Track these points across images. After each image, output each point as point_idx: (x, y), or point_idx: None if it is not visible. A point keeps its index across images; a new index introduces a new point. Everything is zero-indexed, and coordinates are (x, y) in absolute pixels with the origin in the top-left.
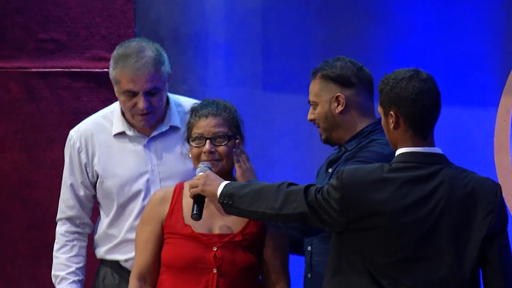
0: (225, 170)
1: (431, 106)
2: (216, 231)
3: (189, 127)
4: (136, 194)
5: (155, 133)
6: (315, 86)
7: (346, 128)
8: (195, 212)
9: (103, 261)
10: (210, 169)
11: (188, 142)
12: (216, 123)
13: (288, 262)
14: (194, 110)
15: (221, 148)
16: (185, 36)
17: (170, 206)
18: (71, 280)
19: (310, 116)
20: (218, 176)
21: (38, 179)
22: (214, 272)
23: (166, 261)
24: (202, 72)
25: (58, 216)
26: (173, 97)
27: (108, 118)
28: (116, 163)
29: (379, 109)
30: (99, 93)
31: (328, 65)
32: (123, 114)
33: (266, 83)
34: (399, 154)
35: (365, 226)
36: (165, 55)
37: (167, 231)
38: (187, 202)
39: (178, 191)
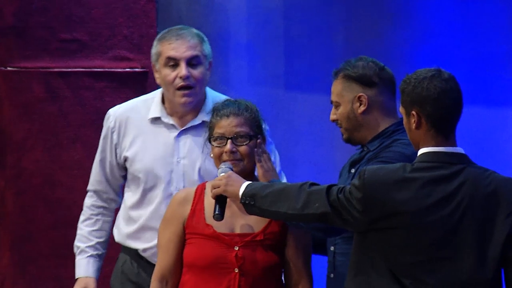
0: (246, 171)
1: (453, 106)
2: (238, 230)
3: (211, 127)
4: (159, 183)
5: (187, 126)
6: (337, 86)
7: (368, 128)
8: (217, 212)
9: (124, 248)
10: (232, 169)
11: (210, 142)
12: (237, 123)
13: (310, 261)
14: (215, 110)
15: (243, 148)
16: (207, 35)
17: (192, 206)
18: (89, 254)
19: (332, 116)
20: (240, 177)
21: (61, 179)
22: (236, 271)
23: (188, 261)
24: (224, 72)
25: (88, 187)
26: (212, 93)
27: (147, 103)
28: (146, 148)
29: (401, 109)
30: (121, 93)
31: (350, 65)
32: (163, 101)
33: (288, 82)
34: (421, 154)
35: (387, 226)
36: (207, 40)
37: (188, 232)
38: (209, 202)
39: (200, 192)
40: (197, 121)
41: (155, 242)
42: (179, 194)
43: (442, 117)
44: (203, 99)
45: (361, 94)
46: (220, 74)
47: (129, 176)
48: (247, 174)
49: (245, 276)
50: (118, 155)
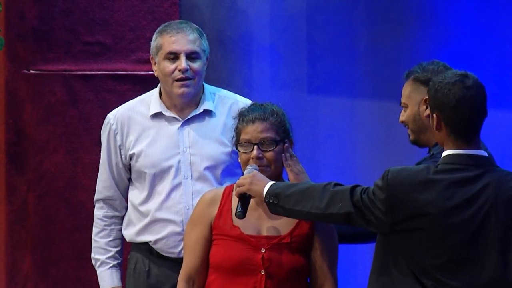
0: (274, 176)
1: (473, 113)
2: (265, 233)
3: (237, 133)
4: (167, 174)
5: (189, 116)
6: (406, 89)
7: (433, 131)
8: (239, 210)
9: (134, 246)
10: (258, 170)
11: (237, 147)
12: (263, 128)
13: (336, 264)
14: (241, 115)
15: (269, 154)
16: (230, 39)
17: (219, 207)
18: (111, 265)
19: (401, 118)
20: (264, 177)
21: (83, 182)
22: (262, 273)
23: (214, 263)
24: (247, 75)
25: (96, 197)
26: (209, 87)
27: (145, 102)
28: (150, 143)
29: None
30: None
31: (421, 68)
32: (160, 96)
33: (310, 86)
34: (445, 156)
35: (410, 227)
36: (205, 36)
37: (215, 233)
38: (236, 204)
39: (227, 193)
40: (199, 110)
41: (165, 232)
42: (207, 195)
43: (461, 124)
44: (201, 92)
45: (427, 97)
46: (243, 77)
47: (134, 175)
48: (275, 179)
49: (271, 278)
50: (123, 156)
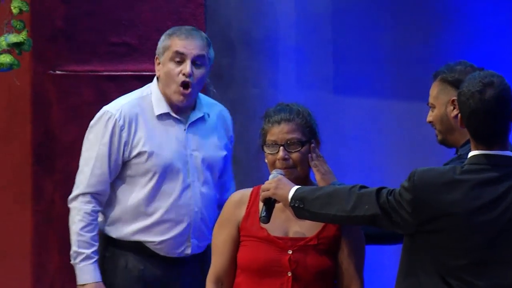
0: (300, 177)
1: (490, 122)
2: (292, 234)
3: (263, 134)
4: (177, 175)
5: (193, 118)
6: (434, 89)
7: (460, 132)
8: (263, 214)
9: (121, 244)
10: (283, 175)
11: (263, 149)
12: (289, 129)
13: (363, 266)
14: (267, 116)
15: (295, 155)
16: (256, 40)
17: (247, 209)
18: (94, 259)
19: (428, 118)
20: (290, 181)
21: None
22: (289, 275)
23: (242, 264)
24: (273, 76)
25: (84, 190)
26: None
27: (146, 100)
28: (161, 144)
29: None
30: None
31: (448, 68)
32: (162, 95)
33: (336, 86)
34: (470, 157)
35: (437, 228)
36: (212, 46)
37: (243, 234)
38: (261, 208)
39: (255, 194)
40: (200, 113)
41: (173, 234)
42: (234, 196)
43: (478, 131)
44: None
45: (454, 98)
46: (268, 78)
47: (135, 172)
48: (302, 180)
49: (297, 280)
50: (127, 152)
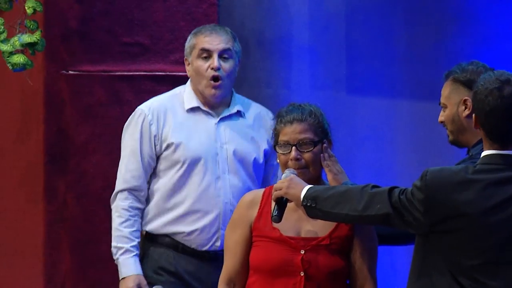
0: (313, 177)
1: (506, 123)
2: (304, 234)
3: (276, 134)
4: (206, 167)
5: (224, 114)
6: (446, 89)
7: (472, 132)
8: (275, 214)
9: (154, 239)
10: (296, 174)
11: (275, 149)
12: (301, 129)
13: (375, 266)
14: (279, 116)
15: (307, 155)
16: (269, 40)
17: (259, 209)
18: (135, 253)
19: (440, 118)
20: (302, 180)
21: None
22: (302, 275)
23: (254, 264)
24: (286, 76)
25: (120, 187)
26: (236, 94)
27: (178, 97)
28: (189, 135)
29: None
30: None
31: (460, 68)
32: (194, 92)
33: (350, 86)
34: (483, 156)
35: (449, 228)
36: (238, 40)
37: (255, 234)
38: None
39: (267, 194)
40: (232, 110)
41: (201, 224)
42: (247, 197)
43: (494, 131)
44: (230, 93)
45: (466, 98)
46: (282, 78)
47: (165, 165)
48: (314, 180)
49: (310, 280)
50: (158, 146)
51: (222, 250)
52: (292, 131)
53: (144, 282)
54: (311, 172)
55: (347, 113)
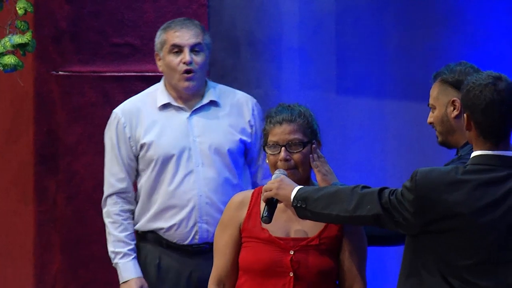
0: (302, 178)
1: (503, 118)
2: (293, 235)
3: (265, 134)
4: (178, 162)
5: (196, 106)
6: (434, 90)
7: (461, 133)
8: (265, 214)
9: (142, 236)
10: (286, 175)
11: (264, 149)
12: (290, 130)
13: (365, 266)
14: (269, 117)
15: (296, 156)
16: (259, 40)
17: (248, 210)
18: (133, 256)
19: (429, 119)
20: (292, 181)
21: None
22: (291, 275)
23: (244, 265)
24: (276, 76)
25: (107, 192)
26: (210, 82)
27: (152, 95)
28: (160, 133)
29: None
30: None
31: (449, 69)
32: (166, 88)
33: (340, 86)
34: (474, 157)
35: (440, 228)
36: (207, 32)
37: (245, 235)
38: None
39: (256, 195)
40: (205, 100)
41: (178, 219)
42: (236, 198)
43: (490, 127)
44: (204, 85)
45: (455, 98)
46: (272, 78)
47: (143, 165)
48: (303, 181)
49: (299, 280)
50: (133, 147)
51: (205, 244)
52: (281, 132)
53: (145, 284)
54: (300, 172)
55: (337, 114)
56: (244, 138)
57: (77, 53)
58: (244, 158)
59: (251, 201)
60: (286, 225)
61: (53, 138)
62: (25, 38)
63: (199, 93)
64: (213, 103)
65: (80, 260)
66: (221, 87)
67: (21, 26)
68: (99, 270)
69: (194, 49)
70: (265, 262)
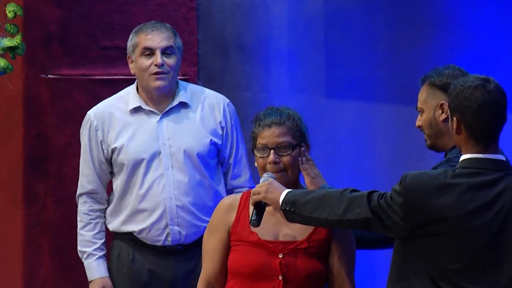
0: (291, 181)
1: (494, 118)
2: (282, 238)
3: (254, 137)
4: (148, 166)
5: (166, 109)
6: (422, 93)
7: (449, 136)
8: (254, 218)
9: (117, 235)
10: (274, 178)
11: (253, 152)
12: (279, 133)
13: (354, 270)
14: (257, 120)
15: (285, 158)
16: (248, 43)
17: (237, 213)
18: (97, 256)
19: (417, 123)
20: (281, 185)
21: None
22: (280, 279)
23: (232, 268)
24: (265, 80)
25: (78, 192)
26: (181, 81)
27: (124, 99)
28: (131, 137)
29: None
30: None
31: (437, 72)
32: (137, 92)
33: (329, 90)
34: (463, 160)
35: (429, 232)
36: (178, 35)
37: (233, 239)
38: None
39: (245, 198)
40: (175, 102)
41: (148, 223)
42: (225, 201)
43: (482, 128)
44: (175, 86)
45: (443, 102)
46: (261, 81)
47: (116, 168)
48: (292, 184)
49: (288, 283)
50: (105, 151)
51: (179, 245)
52: (270, 135)
53: (109, 284)
54: (289, 175)
55: (326, 117)
56: (215, 139)
57: (66, 56)
58: (217, 159)
59: (239, 204)
60: (275, 228)
61: (42, 141)
62: (15, 41)
63: (170, 94)
64: (183, 105)
65: (69, 263)
66: (192, 88)
67: (10, 29)
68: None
69: (165, 51)
70: (254, 265)
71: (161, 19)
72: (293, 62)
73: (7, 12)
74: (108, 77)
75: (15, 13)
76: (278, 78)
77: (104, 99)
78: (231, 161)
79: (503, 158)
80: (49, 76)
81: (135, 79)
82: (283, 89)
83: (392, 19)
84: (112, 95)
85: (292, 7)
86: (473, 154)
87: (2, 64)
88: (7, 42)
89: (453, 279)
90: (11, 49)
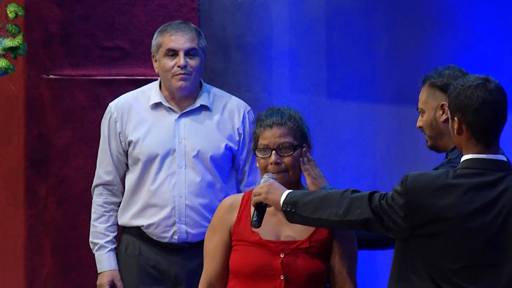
0: (292, 182)
1: (495, 117)
2: (284, 238)
3: (255, 138)
4: (162, 163)
5: (187, 109)
6: (423, 94)
7: (450, 137)
8: (254, 219)
9: (125, 229)
10: (275, 179)
11: (254, 153)
12: (281, 134)
13: (355, 270)
14: (259, 120)
15: (287, 159)
16: (250, 44)
17: (238, 213)
18: (109, 249)
19: (418, 123)
20: (281, 185)
21: None
22: (282, 278)
23: (234, 268)
24: (266, 80)
25: (94, 183)
26: (206, 84)
27: (146, 94)
28: (148, 132)
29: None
30: None
31: (437, 73)
32: (160, 88)
33: (330, 90)
34: (464, 161)
35: (430, 232)
36: (203, 36)
37: (235, 239)
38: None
39: (246, 199)
40: (196, 104)
41: (157, 218)
42: (226, 201)
43: (483, 127)
44: (198, 88)
45: (443, 102)
46: (262, 82)
47: (130, 161)
48: (293, 185)
49: (290, 283)
50: (123, 143)
51: (185, 243)
52: (271, 135)
53: (118, 277)
54: (291, 176)
55: (327, 117)
56: (230, 144)
57: (67, 56)
58: (232, 164)
59: (241, 204)
60: (276, 228)
61: (44, 141)
62: (16, 41)
63: (192, 95)
64: (204, 108)
65: (70, 264)
66: (216, 92)
67: (12, 29)
68: (89, 274)
69: (189, 53)
70: (256, 265)
71: (162, 19)
72: (294, 62)
73: (8, 12)
74: (109, 78)
75: (16, 14)
76: (279, 78)
77: (105, 100)
78: (246, 168)
79: (504, 158)
80: (50, 76)
81: (135, 79)
82: (284, 89)
83: (392, 20)
84: (113, 95)
85: (293, 7)
86: (474, 155)
87: (3, 64)
88: (8, 42)
89: (453, 279)
90: (13, 49)
